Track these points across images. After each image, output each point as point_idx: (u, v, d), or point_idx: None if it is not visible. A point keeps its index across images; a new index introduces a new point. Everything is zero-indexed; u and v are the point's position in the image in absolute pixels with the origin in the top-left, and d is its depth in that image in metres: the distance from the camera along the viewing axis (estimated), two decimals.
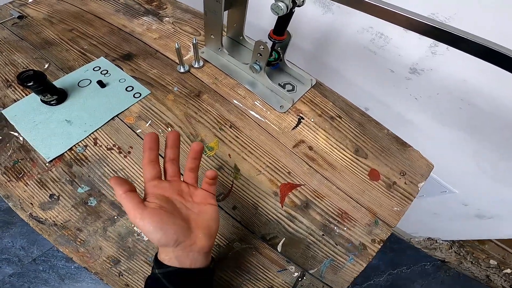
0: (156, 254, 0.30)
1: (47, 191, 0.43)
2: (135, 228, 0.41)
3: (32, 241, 1.21)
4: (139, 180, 0.45)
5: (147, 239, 0.41)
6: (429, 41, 0.51)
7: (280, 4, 0.39)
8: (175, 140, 0.33)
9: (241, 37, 0.60)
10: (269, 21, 0.76)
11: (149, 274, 0.38)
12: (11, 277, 1.14)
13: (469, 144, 0.63)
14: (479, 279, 1.23)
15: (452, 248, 1.20)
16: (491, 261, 1.15)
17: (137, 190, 0.29)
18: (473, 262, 1.19)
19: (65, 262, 1.18)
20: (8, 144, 0.46)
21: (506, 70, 0.28)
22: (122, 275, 0.39)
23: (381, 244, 0.45)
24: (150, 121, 0.51)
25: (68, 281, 1.15)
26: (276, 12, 0.40)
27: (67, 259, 1.18)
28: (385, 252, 1.31)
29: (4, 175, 0.44)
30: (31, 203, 0.42)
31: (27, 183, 0.43)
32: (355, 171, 0.50)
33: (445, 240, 1.18)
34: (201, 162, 0.47)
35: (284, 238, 0.43)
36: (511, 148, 0.58)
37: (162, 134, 0.50)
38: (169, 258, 0.28)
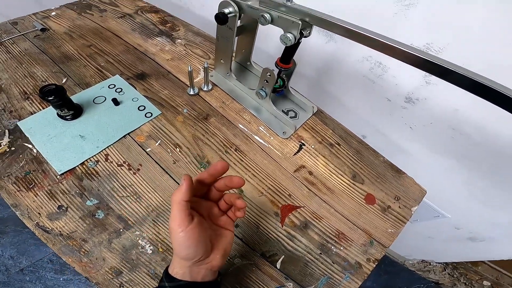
0: (167, 267, 0.31)
1: (56, 202, 0.45)
2: (139, 241, 0.43)
3: (22, 252, 1.19)
4: (145, 197, 0.47)
5: (151, 252, 0.42)
6: (423, 71, 0.54)
7: (289, 35, 0.42)
8: (234, 184, 0.33)
9: (249, 63, 0.63)
10: (276, 47, 0.79)
11: (150, 286, 0.40)
12: None
13: (460, 171, 0.66)
14: None
15: (445, 270, 1.20)
16: (485, 282, 1.15)
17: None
18: (467, 283, 1.19)
19: (54, 273, 1.16)
20: (21, 156, 0.48)
21: (492, 103, 0.29)
22: (123, 286, 0.40)
23: (376, 263, 0.47)
24: (159, 141, 0.53)
25: None
26: (284, 42, 0.43)
27: (56, 271, 1.16)
28: (379, 274, 1.31)
29: (14, 185, 0.45)
30: (39, 213, 0.43)
31: (37, 194, 0.45)
32: (352, 195, 0.53)
33: (438, 263, 1.19)
34: None
35: (283, 256, 0.45)
36: (499, 176, 0.60)
37: (170, 154, 0.52)
38: (183, 272, 0.30)
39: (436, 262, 1.19)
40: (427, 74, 0.55)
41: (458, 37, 0.47)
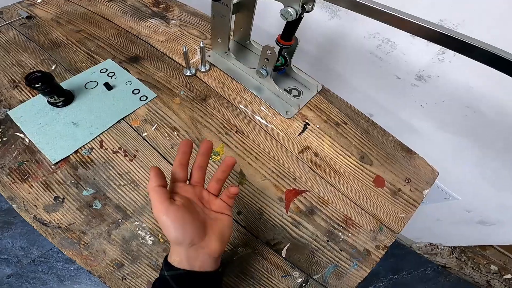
0: (166, 256, 0.31)
1: (51, 193, 0.43)
2: (139, 231, 0.41)
3: (32, 242, 1.20)
4: (144, 184, 0.45)
5: (151, 243, 0.41)
6: (436, 47, 0.51)
7: (290, 9, 0.39)
8: (208, 148, 0.34)
9: (248, 42, 0.60)
10: (276, 25, 0.75)
11: (152, 278, 0.39)
12: (10, 277, 1.13)
13: (472, 151, 0.63)
14: (480, 284, 1.22)
15: (453, 254, 1.19)
16: (492, 267, 1.15)
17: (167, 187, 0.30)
18: (474, 267, 1.18)
19: (65, 263, 1.18)
20: (13, 146, 0.46)
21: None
22: (125, 278, 0.39)
23: (385, 250, 0.46)
24: (156, 125, 0.51)
25: (67, 282, 1.14)
26: (285, 17, 0.40)
27: (67, 260, 1.17)
28: (385, 257, 1.30)
29: (9, 177, 0.44)
30: (35, 205, 0.42)
31: (32, 185, 0.43)
32: (360, 178, 0.50)
33: (446, 246, 1.18)
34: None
35: (288, 244, 0.43)
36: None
37: (168, 138, 0.50)
38: (179, 259, 0.29)
39: (443, 246, 1.18)
40: (440, 51, 0.51)
41: (474, 13, 0.44)
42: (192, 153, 0.34)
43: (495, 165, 0.62)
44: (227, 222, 0.33)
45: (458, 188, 0.77)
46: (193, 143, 0.33)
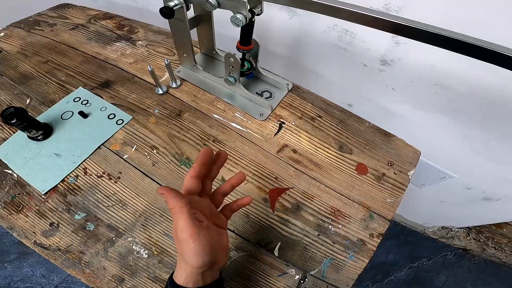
0: (172, 274, 0.32)
1: (46, 220, 0.50)
2: (133, 247, 0.48)
3: (50, 269, 1.30)
4: (131, 203, 0.52)
5: (146, 256, 0.47)
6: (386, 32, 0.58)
7: (239, 16, 0.44)
8: (223, 161, 0.37)
9: (214, 52, 0.68)
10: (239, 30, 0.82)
11: None
12: None
13: (456, 126, 0.70)
14: (508, 264, 1.27)
15: (470, 235, 1.24)
16: None
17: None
18: (496, 247, 1.22)
19: (86, 287, 1.25)
20: (4, 182, 0.53)
21: (461, 54, 0.32)
22: None
23: (381, 238, 0.50)
24: (135, 146, 0.58)
25: None
26: (236, 24, 0.46)
27: (87, 285, 1.25)
28: (400, 246, 1.36)
29: (5, 209, 0.51)
30: (33, 232, 0.49)
31: (27, 215, 0.50)
32: (342, 168, 0.56)
33: (460, 228, 1.23)
34: None
35: (279, 242, 0.48)
36: (498, 126, 0.64)
37: (148, 157, 0.57)
38: (195, 280, 0.30)
39: (457, 228, 1.23)
40: (394, 35, 0.58)
41: None
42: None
43: (482, 137, 0.68)
44: (227, 237, 0.35)
45: (452, 166, 0.84)
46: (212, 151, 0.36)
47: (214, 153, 0.37)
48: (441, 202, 1.04)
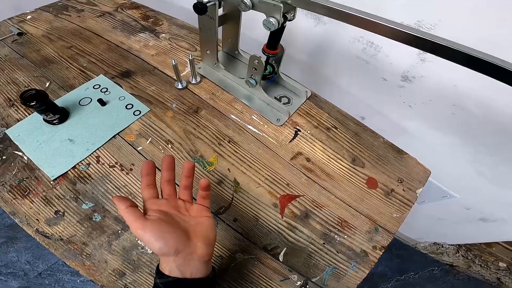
0: (158, 265, 0.33)
1: (52, 208, 0.46)
2: (139, 241, 0.44)
3: (37, 256, 1.24)
4: (141, 197, 0.48)
5: (151, 252, 0.44)
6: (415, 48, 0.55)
7: (272, 19, 0.42)
8: (170, 163, 0.37)
9: (236, 52, 0.64)
10: (264, 34, 0.77)
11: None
12: None
13: (465, 148, 0.66)
14: (490, 282, 1.24)
15: (459, 252, 1.22)
16: (500, 264, 1.16)
17: (138, 207, 0.32)
18: (482, 265, 1.20)
19: (71, 276, 1.21)
20: (12, 164, 0.50)
21: (488, 76, 0.30)
22: (127, 287, 0.41)
23: (383, 251, 0.48)
24: (150, 138, 0.54)
25: None
26: (268, 27, 0.43)
27: (73, 273, 1.21)
28: (390, 258, 1.34)
29: (10, 193, 0.47)
30: (37, 219, 0.45)
31: (32, 201, 0.46)
32: (353, 180, 0.53)
33: (451, 245, 1.20)
34: (202, 177, 0.50)
35: (285, 248, 0.46)
36: (506, 152, 0.61)
37: (162, 151, 0.53)
38: (170, 268, 0.31)
39: (448, 244, 1.20)
40: (421, 52, 0.55)
41: (449, 13, 0.47)
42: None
43: (490, 161, 0.65)
44: (209, 224, 0.35)
45: (455, 186, 0.80)
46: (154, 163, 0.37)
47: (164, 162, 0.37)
48: (438, 219, 1.01)
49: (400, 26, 0.33)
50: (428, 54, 0.54)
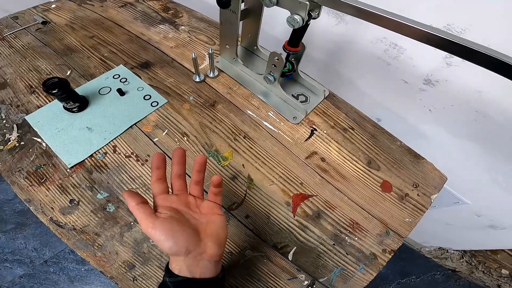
0: (168, 262, 0.31)
1: (67, 196, 0.45)
2: None
3: (44, 243, 1.23)
4: None
5: None
6: (444, 51, 0.51)
7: (296, 17, 0.40)
8: (181, 157, 0.35)
9: (255, 47, 0.61)
10: (283, 31, 0.76)
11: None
12: (22, 278, 1.16)
13: (482, 156, 0.63)
14: None
15: (463, 258, 1.18)
16: (503, 271, 1.13)
17: (148, 203, 0.30)
18: (485, 271, 1.17)
19: (76, 264, 1.20)
20: (31, 150, 0.49)
21: None
22: (136, 279, 0.40)
23: (392, 254, 0.46)
24: (166, 130, 0.53)
25: (77, 283, 1.17)
26: (292, 24, 0.41)
27: (78, 262, 1.20)
28: (394, 261, 1.30)
29: (26, 180, 0.46)
30: (52, 208, 0.44)
31: (48, 188, 0.45)
32: (367, 183, 0.51)
33: (456, 250, 1.16)
34: (216, 172, 0.48)
35: (295, 247, 0.44)
36: None
37: (178, 144, 0.51)
38: (179, 267, 0.29)
39: (453, 250, 1.17)
40: (448, 55, 0.51)
41: (482, 17, 0.44)
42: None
43: (506, 169, 0.61)
44: (220, 223, 0.33)
45: (468, 192, 0.76)
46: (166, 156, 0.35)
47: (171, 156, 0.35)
48: (446, 224, 0.97)
49: (435, 30, 0.30)
50: (455, 58, 0.51)
